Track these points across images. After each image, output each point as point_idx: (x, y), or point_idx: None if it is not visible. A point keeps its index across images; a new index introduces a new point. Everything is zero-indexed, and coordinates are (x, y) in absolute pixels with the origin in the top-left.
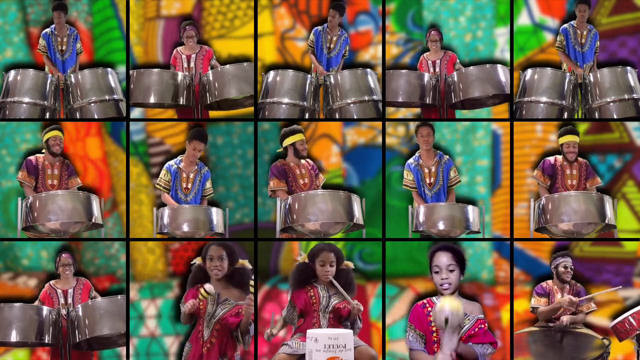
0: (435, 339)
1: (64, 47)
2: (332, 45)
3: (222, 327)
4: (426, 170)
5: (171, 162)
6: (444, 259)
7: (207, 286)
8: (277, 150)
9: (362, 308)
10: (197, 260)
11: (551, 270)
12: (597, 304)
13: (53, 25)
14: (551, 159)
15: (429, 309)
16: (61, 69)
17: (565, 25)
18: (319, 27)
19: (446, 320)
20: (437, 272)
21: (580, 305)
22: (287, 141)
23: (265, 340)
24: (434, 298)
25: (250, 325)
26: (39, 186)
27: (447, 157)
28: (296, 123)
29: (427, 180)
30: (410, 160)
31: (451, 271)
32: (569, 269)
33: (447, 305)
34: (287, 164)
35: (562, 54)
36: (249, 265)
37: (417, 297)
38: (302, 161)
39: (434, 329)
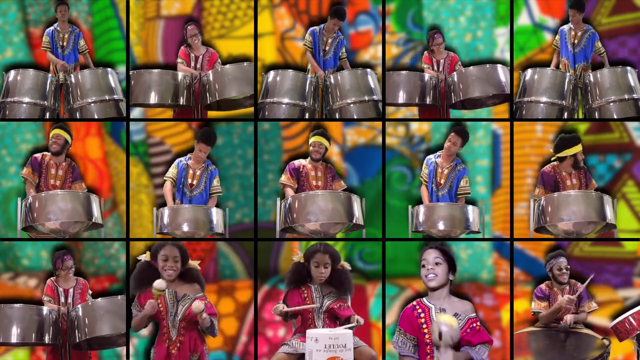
0: (428, 340)
1: (64, 44)
2: (327, 48)
3: (187, 324)
4: (439, 170)
5: (181, 158)
6: (431, 255)
7: (157, 284)
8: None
9: (362, 321)
10: (145, 257)
11: (547, 273)
12: (598, 303)
13: (56, 24)
14: (549, 168)
15: (419, 310)
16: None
17: (564, 27)
18: (316, 28)
19: (440, 335)
20: (423, 266)
21: (582, 306)
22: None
23: (271, 316)
24: (424, 299)
25: (210, 323)
26: (41, 184)
27: (464, 166)
28: (304, 124)
29: (438, 179)
30: (430, 156)
31: (437, 264)
32: (564, 270)
33: (443, 319)
34: (304, 164)
35: (555, 54)
36: (198, 266)
37: (415, 296)
38: (319, 165)
39: (425, 330)
